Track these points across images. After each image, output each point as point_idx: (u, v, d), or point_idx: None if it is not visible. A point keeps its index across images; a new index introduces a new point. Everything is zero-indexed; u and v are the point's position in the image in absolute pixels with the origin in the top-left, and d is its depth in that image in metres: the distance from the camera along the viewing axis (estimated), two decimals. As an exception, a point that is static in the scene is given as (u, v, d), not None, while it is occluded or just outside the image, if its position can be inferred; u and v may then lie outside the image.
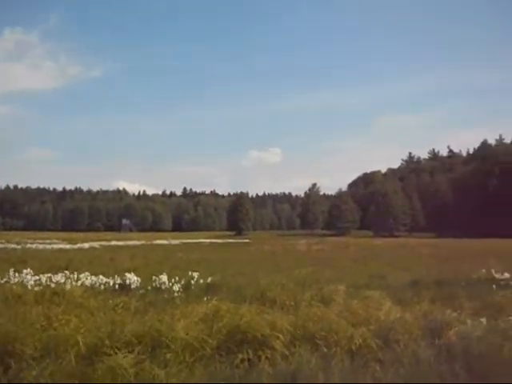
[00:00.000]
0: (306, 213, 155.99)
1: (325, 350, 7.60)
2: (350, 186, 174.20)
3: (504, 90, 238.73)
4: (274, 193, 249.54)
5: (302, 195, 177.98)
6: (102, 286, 15.22)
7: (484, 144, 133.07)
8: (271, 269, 23.77)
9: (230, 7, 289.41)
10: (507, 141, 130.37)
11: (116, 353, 6.87)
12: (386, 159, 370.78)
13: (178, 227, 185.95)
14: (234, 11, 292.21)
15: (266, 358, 7.33)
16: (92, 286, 15.19)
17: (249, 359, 7.30)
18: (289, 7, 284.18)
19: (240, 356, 7.30)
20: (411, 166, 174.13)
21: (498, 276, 18.36)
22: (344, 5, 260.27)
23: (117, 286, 15.31)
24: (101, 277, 16.09)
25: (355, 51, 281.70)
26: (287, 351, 7.64)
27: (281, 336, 7.96)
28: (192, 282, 15.64)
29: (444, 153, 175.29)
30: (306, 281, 16.64)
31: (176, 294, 14.15)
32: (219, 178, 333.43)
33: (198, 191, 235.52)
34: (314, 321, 8.87)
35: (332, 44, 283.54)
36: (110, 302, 11.49)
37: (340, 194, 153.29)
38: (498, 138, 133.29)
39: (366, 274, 21.06)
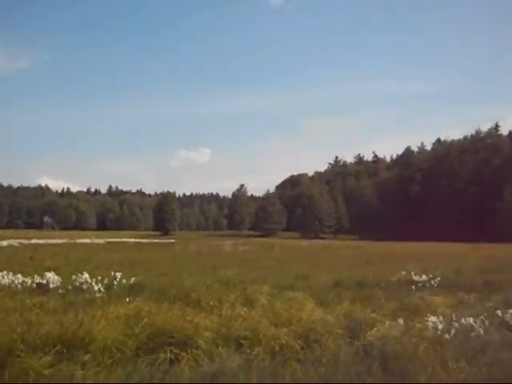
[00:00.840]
0: (233, 213, 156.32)
1: (247, 350, 7.63)
2: (278, 187, 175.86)
3: (428, 99, 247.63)
4: (201, 193, 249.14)
5: (230, 196, 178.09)
6: (20, 286, 14.66)
7: (407, 151, 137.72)
8: (196, 269, 23.65)
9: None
10: (428, 148, 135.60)
11: (31, 354, 6.64)
12: (314, 162, 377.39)
13: (102, 226, 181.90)
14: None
15: (188, 359, 7.28)
16: (9, 285, 14.60)
17: (171, 360, 7.22)
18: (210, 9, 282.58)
19: (162, 356, 7.22)
20: (337, 169, 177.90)
21: (416, 278, 18.93)
22: (266, 8, 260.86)
23: (35, 286, 14.78)
24: (19, 276, 15.48)
25: (284, 54, 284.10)
26: (210, 352, 7.62)
27: (204, 336, 7.94)
28: (115, 282, 15.30)
29: (369, 158, 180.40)
30: (230, 281, 16.66)
31: (98, 295, 13.78)
32: (146, 177, 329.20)
33: (124, 189, 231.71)
34: (238, 321, 8.89)
35: (262, 48, 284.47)
36: (28, 301, 11.09)
37: (267, 196, 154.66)
38: (420, 145, 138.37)
39: (290, 275, 21.26)
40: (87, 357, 6.94)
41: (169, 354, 7.26)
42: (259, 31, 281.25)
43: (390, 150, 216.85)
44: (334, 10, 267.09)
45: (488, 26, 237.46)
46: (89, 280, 14.72)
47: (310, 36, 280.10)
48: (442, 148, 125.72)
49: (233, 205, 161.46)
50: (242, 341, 7.97)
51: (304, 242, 75.91)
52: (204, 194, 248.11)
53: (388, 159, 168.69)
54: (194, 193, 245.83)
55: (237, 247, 53.14)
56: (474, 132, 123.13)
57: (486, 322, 10.20)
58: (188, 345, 7.63)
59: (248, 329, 8.29)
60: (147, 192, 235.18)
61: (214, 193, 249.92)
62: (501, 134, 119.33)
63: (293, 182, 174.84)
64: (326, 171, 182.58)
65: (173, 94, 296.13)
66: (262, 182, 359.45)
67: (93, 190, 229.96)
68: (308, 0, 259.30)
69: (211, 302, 11.67)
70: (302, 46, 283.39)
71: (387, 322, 9.40)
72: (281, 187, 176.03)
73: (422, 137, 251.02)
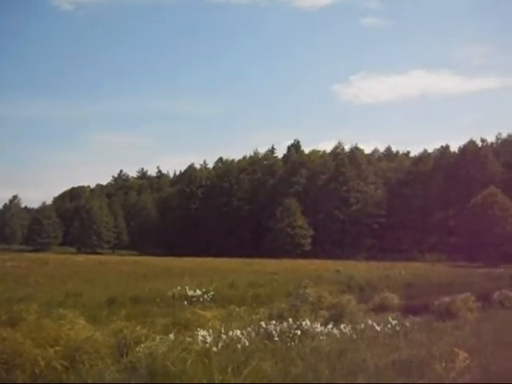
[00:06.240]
0: (4, 226, 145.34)
1: (4, 374, 7.09)
2: (56, 199, 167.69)
3: (212, 119, 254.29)
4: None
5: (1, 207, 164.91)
6: None
7: (190, 167, 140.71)
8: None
9: None
10: (210, 166, 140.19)
11: None
12: (99, 176, 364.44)
13: None
14: None
15: None
16: None
17: None
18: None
19: None
20: (120, 183, 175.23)
21: (190, 293, 19.43)
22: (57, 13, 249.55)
23: None
24: None
25: (72, 62, 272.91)
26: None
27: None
28: None
29: (154, 173, 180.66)
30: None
31: None
32: None
33: None
34: (-3, 343, 8.23)
35: (49, 53, 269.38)
36: None
37: (43, 208, 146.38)
38: (202, 163, 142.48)
39: (62, 292, 20.43)
40: None
41: None
42: (49, 36, 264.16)
43: (175, 166, 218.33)
44: (128, 22, 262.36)
45: (281, 48, 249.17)
46: None
47: (102, 46, 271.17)
48: (223, 167, 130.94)
49: (3, 217, 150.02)
50: (-1, 365, 7.40)
51: (80, 258, 73.22)
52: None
53: (171, 175, 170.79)
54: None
55: (5, 263, 49.41)
56: (252, 153, 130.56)
57: (252, 334, 10.84)
58: None
59: (7, 351, 7.71)
60: None
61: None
62: (276, 157, 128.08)
63: (72, 195, 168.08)
64: (108, 185, 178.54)
65: None
66: (40, 194, 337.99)
67: None
68: (99, 9, 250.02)
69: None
70: (95, 56, 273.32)
71: (158, 338, 9.45)
72: (59, 199, 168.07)
73: (205, 155, 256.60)
